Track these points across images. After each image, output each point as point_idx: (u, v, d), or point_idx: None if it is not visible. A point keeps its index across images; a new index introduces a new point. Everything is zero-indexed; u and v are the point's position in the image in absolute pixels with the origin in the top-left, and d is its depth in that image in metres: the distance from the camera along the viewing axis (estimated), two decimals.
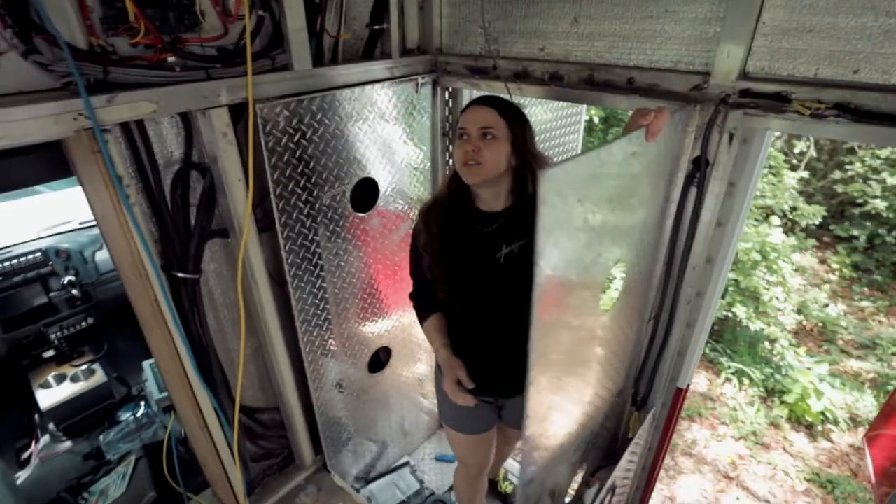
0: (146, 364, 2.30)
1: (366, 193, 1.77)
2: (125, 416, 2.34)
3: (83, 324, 2.53)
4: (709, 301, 1.50)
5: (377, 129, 1.67)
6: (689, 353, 1.64)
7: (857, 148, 4.87)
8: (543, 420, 1.07)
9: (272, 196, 1.43)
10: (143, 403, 2.36)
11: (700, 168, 1.31)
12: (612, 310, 1.35)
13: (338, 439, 2.10)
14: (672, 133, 1.25)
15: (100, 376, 2.41)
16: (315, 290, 1.70)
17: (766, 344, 4.01)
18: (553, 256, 0.82)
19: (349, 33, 1.58)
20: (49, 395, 2.33)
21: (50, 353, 2.51)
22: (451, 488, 2.38)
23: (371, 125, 1.64)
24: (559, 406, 1.17)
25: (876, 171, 4.80)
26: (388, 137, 1.73)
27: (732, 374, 3.93)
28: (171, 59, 1.22)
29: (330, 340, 1.84)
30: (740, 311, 3.61)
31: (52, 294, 2.50)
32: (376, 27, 1.61)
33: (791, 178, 4.61)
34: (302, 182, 1.50)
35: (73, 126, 1.08)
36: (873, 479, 1.72)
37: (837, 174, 5.01)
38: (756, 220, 4.04)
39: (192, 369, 1.44)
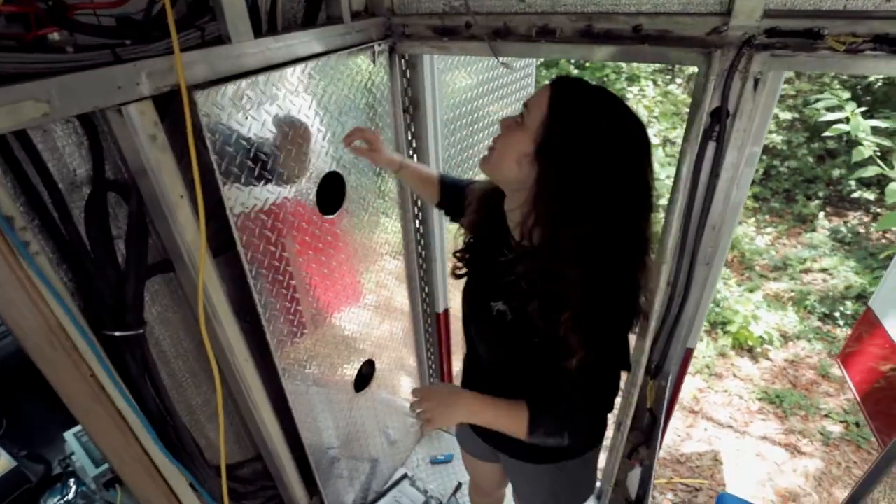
0: (69, 435, 1.84)
1: (332, 191, 1.48)
2: (52, 502, 1.88)
3: None
4: (720, 259, 1.44)
5: (335, 111, 1.38)
6: (700, 312, 1.60)
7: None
8: None
9: (228, 211, 1.11)
10: (73, 482, 1.90)
11: (720, 120, 1.21)
12: None
13: (329, 471, 1.85)
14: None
15: (5, 461, 1.89)
16: (291, 317, 1.40)
17: None
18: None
19: None
20: None
21: None
22: (456, 489, 2.24)
23: (329, 107, 1.35)
24: None
25: None
26: (348, 120, 1.44)
27: None
28: (55, 35, 0.85)
29: (313, 369, 1.56)
30: None
31: None
32: None
33: None
34: (260, 188, 1.19)
35: None
36: (857, 398, 1.85)
37: None
38: None
39: (155, 449, 1.11)
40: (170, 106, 1.02)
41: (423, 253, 2.07)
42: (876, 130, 3.04)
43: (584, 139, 0.86)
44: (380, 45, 1.48)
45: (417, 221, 1.98)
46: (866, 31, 1.00)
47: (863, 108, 3.08)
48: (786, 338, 3.88)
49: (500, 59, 1.38)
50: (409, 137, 1.78)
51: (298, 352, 1.48)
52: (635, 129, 0.90)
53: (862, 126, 2.95)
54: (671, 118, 4.49)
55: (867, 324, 1.84)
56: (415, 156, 1.83)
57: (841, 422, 3.27)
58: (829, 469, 3.01)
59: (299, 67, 1.21)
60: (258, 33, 1.15)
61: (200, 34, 1.03)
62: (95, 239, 1.01)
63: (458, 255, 1.21)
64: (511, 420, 0.99)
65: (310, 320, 1.49)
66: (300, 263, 1.39)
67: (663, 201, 1.35)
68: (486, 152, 1.00)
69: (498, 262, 1.03)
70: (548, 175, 0.88)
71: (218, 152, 1.04)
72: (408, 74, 1.65)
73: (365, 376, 1.94)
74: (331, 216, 1.47)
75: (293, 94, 1.21)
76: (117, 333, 1.05)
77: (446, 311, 2.25)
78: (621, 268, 0.93)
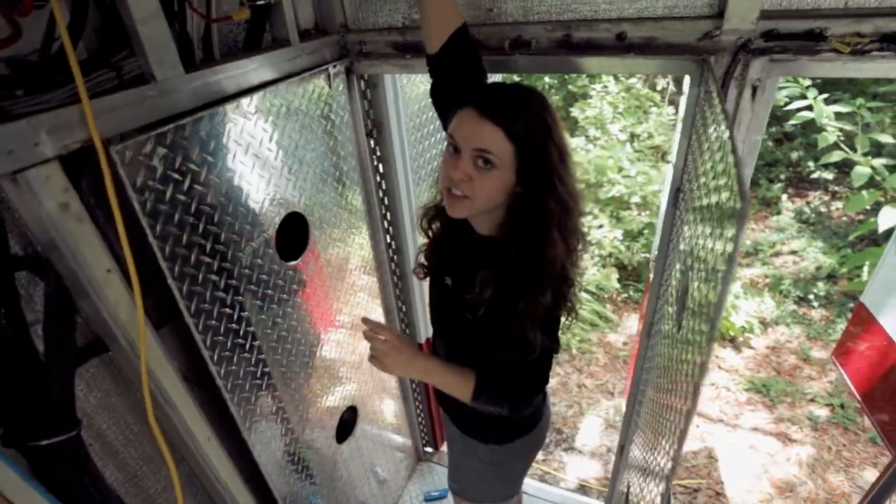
0: None
1: (294, 234, 1.32)
2: None
3: None
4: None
5: (290, 146, 1.22)
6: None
7: None
8: None
9: (170, 280, 0.94)
10: None
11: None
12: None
13: None
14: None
15: None
16: (257, 381, 1.23)
17: None
18: None
19: (245, 11, 1.08)
20: None
21: None
22: None
23: (282, 142, 1.19)
24: None
25: None
26: (306, 154, 1.28)
27: None
28: None
29: (288, 431, 1.40)
30: None
31: None
32: (261, 2, 1.13)
33: (662, 117, 4.91)
34: (208, 246, 1.02)
35: None
36: (858, 397, 1.81)
37: None
38: (650, 160, 4.25)
39: None
40: (87, 163, 0.84)
41: (400, 283, 1.93)
42: (838, 116, 3.06)
43: (544, 144, 0.92)
44: (335, 66, 1.32)
45: (391, 251, 1.84)
46: (872, 29, 0.91)
47: (824, 95, 3.10)
48: (765, 324, 3.91)
49: None
50: (375, 163, 1.63)
51: (269, 416, 1.31)
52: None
53: (825, 112, 2.96)
54: (636, 113, 4.47)
55: (861, 320, 1.80)
56: (382, 182, 1.68)
57: (826, 405, 3.30)
58: (821, 455, 3.02)
59: (244, 101, 1.05)
60: (190, 66, 0.98)
61: (116, 74, 0.86)
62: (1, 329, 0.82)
63: (423, 251, 1.25)
64: (458, 383, 1.09)
65: (280, 380, 1.32)
66: (263, 321, 1.22)
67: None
68: (452, 200, 0.97)
69: (457, 244, 1.13)
70: (530, 190, 0.94)
71: (150, 214, 0.87)
72: (368, 96, 1.50)
73: (347, 423, 1.78)
74: (294, 262, 1.31)
75: (238, 134, 1.05)
76: (44, 443, 0.87)
77: (428, 341, 2.11)
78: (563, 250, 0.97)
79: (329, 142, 1.37)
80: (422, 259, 1.25)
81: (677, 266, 1.09)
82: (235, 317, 1.12)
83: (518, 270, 0.95)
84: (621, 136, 4.38)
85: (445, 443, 1.62)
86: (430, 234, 1.21)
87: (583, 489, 2.94)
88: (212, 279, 1.03)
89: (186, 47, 1.00)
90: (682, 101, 1.98)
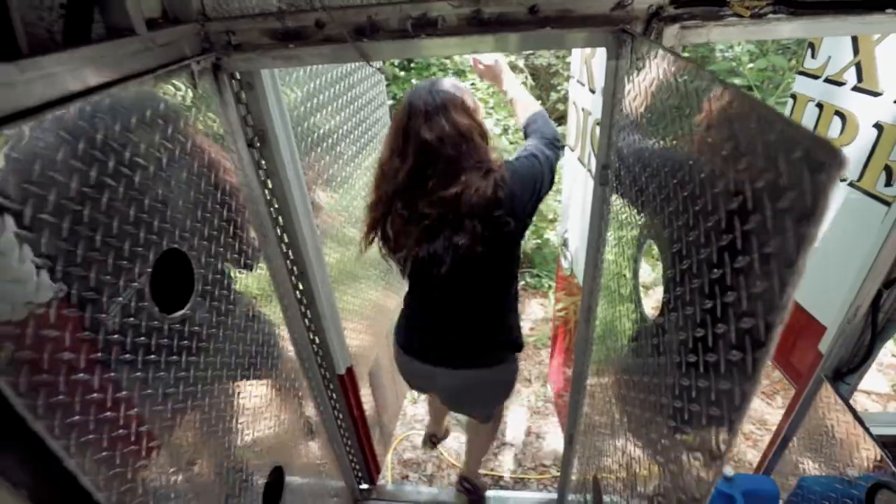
0: None
1: (174, 276, 1.03)
2: None
3: None
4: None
5: (154, 162, 0.94)
6: None
7: (560, 71, 5.77)
8: None
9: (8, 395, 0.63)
10: None
11: None
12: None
13: None
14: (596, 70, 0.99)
15: None
16: (154, 482, 0.93)
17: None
18: None
19: None
20: None
21: None
22: None
23: (141, 160, 0.90)
24: None
25: None
26: (175, 173, 1.00)
27: (548, 289, 4.35)
28: None
29: None
30: (549, 234, 3.97)
31: None
32: None
33: None
34: (51, 313, 0.71)
35: None
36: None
37: (554, 95, 5.88)
38: None
39: None
40: None
41: (309, 311, 1.68)
42: None
43: None
44: (198, 62, 1.06)
45: (293, 276, 1.58)
46: None
47: None
48: (646, 287, 4.32)
49: (374, 64, 1.09)
50: (263, 177, 1.37)
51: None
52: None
53: None
54: (506, 107, 4.64)
55: None
56: (273, 199, 1.43)
57: None
58: None
59: (76, 108, 0.76)
60: None
61: None
62: None
63: None
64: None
65: (184, 468, 1.02)
66: (150, 397, 0.92)
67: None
68: None
69: None
70: None
71: None
72: (243, 98, 1.25)
73: (274, 485, 1.49)
74: (180, 312, 1.02)
75: (74, 152, 0.75)
76: None
77: (350, 370, 1.89)
78: None
79: (204, 157, 1.10)
80: None
81: (626, 245, 1.06)
82: (109, 403, 0.81)
83: None
84: (496, 129, 4.51)
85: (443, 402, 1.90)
86: None
87: (522, 482, 2.93)
88: (65, 357, 0.73)
89: None
90: (567, 87, 2.00)
